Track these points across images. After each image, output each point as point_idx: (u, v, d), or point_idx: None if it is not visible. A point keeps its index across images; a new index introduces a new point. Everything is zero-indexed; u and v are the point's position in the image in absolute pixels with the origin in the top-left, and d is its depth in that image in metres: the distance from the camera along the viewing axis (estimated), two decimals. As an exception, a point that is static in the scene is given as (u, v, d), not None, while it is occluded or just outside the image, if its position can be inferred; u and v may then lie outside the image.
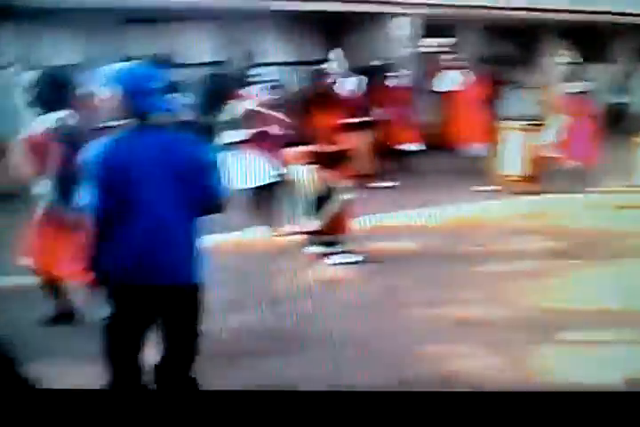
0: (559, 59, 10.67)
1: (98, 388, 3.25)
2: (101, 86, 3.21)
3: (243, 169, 6.61)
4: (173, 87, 3.32)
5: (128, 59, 9.83)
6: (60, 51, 9.65)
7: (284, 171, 6.54)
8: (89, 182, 3.16)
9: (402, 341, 4.43)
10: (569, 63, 9.33)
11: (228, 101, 7.06)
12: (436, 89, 9.55)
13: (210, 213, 3.37)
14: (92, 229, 3.19)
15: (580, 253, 6.05)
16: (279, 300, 5.05)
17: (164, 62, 9.36)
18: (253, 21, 11.10)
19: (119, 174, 3.12)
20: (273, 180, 6.68)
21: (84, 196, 3.19)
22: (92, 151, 3.16)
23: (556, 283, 5.36)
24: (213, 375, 3.60)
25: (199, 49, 10.82)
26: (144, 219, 3.16)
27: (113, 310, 3.24)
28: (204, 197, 3.29)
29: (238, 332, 4.57)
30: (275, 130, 6.76)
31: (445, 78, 9.45)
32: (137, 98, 3.14)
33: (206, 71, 10.32)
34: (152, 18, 10.39)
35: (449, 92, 9.45)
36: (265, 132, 6.69)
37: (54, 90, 4.56)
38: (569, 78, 8.76)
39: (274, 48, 11.51)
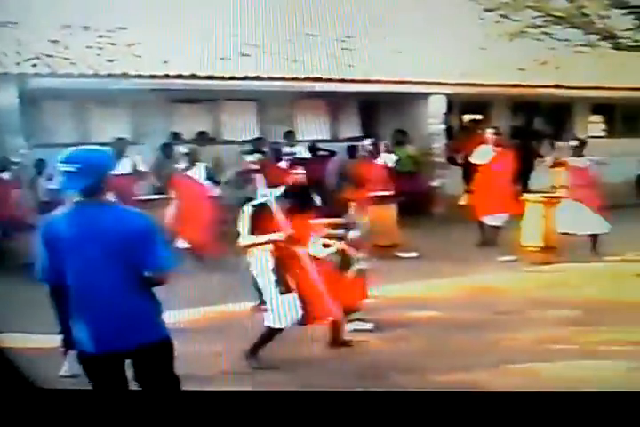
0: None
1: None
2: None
3: None
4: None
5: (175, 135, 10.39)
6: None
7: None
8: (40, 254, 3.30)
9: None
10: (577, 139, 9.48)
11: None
12: (474, 161, 9.74)
13: (154, 284, 3.36)
14: (50, 297, 3.33)
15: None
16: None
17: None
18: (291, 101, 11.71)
19: (55, 248, 3.23)
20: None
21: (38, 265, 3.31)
22: (41, 225, 3.33)
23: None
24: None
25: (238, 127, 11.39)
26: (85, 292, 3.22)
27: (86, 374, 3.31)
28: (143, 269, 3.28)
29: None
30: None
31: (481, 152, 9.64)
32: (62, 177, 3.29)
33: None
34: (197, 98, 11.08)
35: (482, 164, 9.62)
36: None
37: None
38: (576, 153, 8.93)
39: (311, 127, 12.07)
